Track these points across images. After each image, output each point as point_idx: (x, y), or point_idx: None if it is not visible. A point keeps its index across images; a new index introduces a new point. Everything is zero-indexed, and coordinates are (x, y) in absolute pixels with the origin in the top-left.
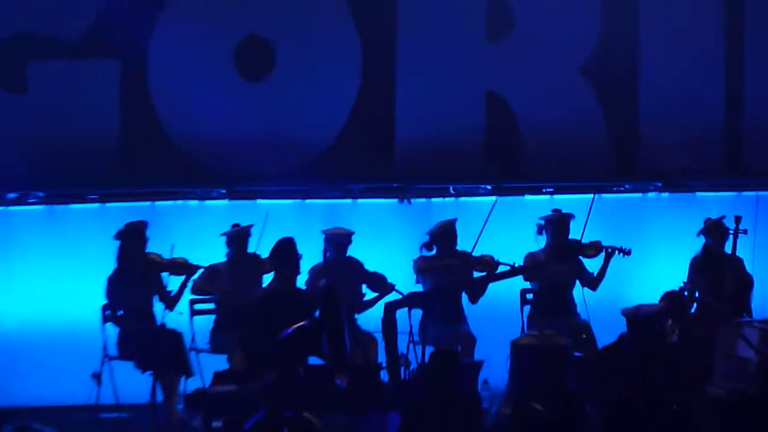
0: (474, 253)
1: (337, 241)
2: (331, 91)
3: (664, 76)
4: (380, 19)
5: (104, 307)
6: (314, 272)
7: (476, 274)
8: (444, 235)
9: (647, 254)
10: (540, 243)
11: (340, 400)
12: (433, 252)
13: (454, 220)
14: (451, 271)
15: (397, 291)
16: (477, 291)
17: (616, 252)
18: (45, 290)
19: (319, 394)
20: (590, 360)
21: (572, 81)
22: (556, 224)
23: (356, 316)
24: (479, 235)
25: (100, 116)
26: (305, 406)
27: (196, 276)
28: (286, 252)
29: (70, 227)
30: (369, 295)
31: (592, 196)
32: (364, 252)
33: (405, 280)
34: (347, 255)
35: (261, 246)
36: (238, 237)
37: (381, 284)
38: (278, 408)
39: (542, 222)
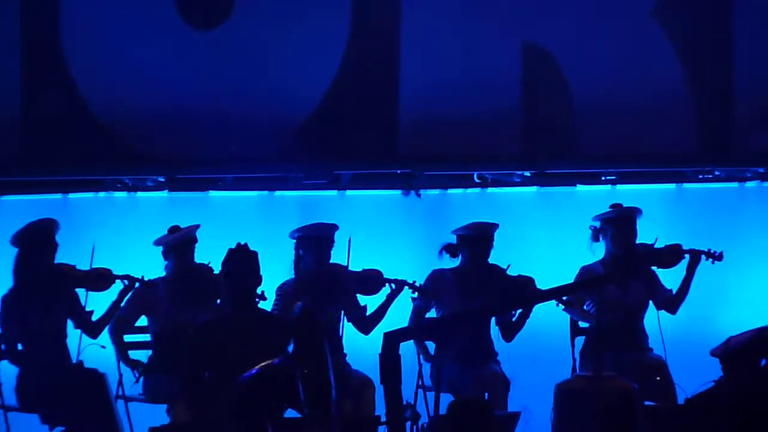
0: (508, 272)
1: (318, 239)
2: (311, 43)
3: None
4: None
5: (5, 338)
6: (284, 291)
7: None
8: (478, 239)
9: (745, 261)
10: (598, 252)
11: None
12: (458, 260)
13: (494, 225)
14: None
15: (410, 285)
16: (513, 326)
17: (703, 257)
18: None
19: None
20: (668, 411)
21: (641, 29)
22: (617, 224)
23: (354, 349)
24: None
25: None
26: None
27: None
28: (238, 266)
29: None
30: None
31: (671, 186)
32: (357, 260)
33: (404, 305)
34: (330, 262)
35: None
36: (180, 245)
37: (376, 282)
38: None
39: (598, 224)
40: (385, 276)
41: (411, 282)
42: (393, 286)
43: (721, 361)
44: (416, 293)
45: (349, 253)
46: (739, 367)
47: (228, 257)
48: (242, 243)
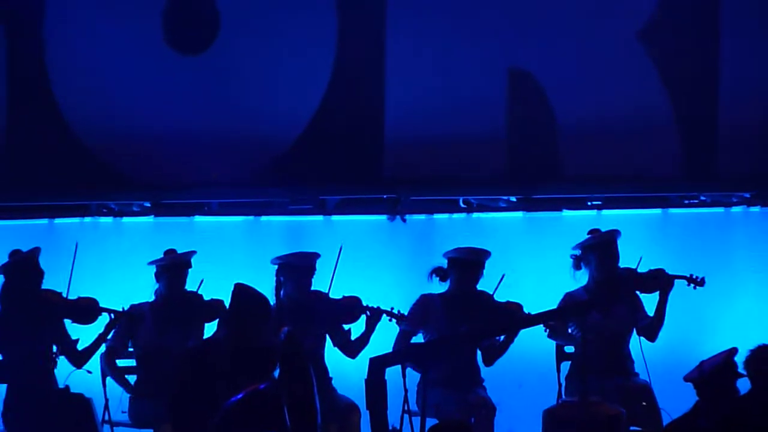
0: (495, 298)
1: (300, 268)
2: (297, 67)
3: (754, 42)
4: None
5: None
6: None
7: None
8: (469, 264)
9: (731, 286)
10: (580, 280)
11: None
12: (446, 284)
13: (487, 253)
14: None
15: (390, 313)
16: (495, 350)
17: (686, 283)
18: None
19: None
20: None
21: (627, 52)
22: (599, 250)
23: (340, 373)
24: (497, 285)
25: None
26: None
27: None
28: (257, 314)
29: None
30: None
31: (657, 211)
32: (342, 286)
33: (393, 328)
34: (311, 289)
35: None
36: (173, 268)
37: (354, 310)
38: None
39: (578, 252)
40: (364, 303)
41: (389, 309)
42: (368, 313)
43: (695, 385)
44: (394, 320)
45: (337, 264)
46: (714, 391)
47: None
48: (259, 293)
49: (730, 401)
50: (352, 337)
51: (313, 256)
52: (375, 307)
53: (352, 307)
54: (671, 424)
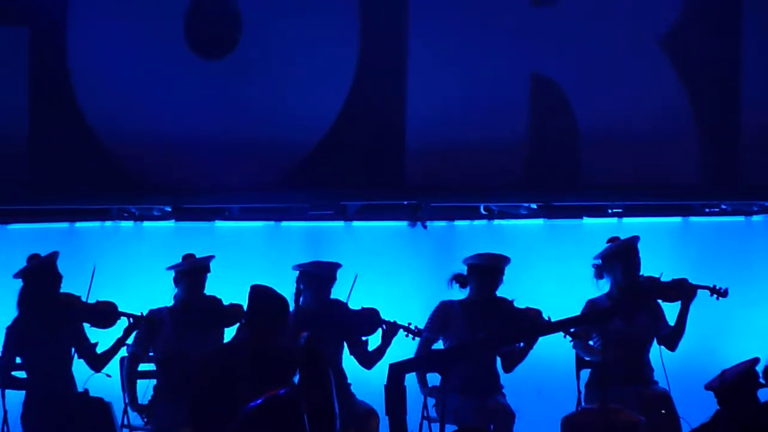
0: (515, 304)
1: (319, 278)
2: (318, 73)
3: None
4: None
5: (3, 368)
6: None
7: None
8: (488, 270)
9: (751, 294)
10: (603, 289)
11: None
12: (466, 291)
13: (507, 259)
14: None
15: (407, 329)
16: (514, 356)
17: (708, 293)
18: None
19: None
20: None
21: (649, 58)
22: (621, 258)
23: (359, 379)
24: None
25: (3, 108)
26: None
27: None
28: (275, 314)
29: None
30: (373, 341)
31: (677, 219)
32: (361, 293)
33: (409, 342)
34: (330, 298)
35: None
36: (192, 273)
37: (372, 322)
38: None
39: (599, 262)
40: (381, 316)
41: (406, 324)
42: (385, 327)
43: (716, 394)
44: (410, 335)
45: (351, 290)
46: (735, 400)
47: (262, 295)
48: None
49: (750, 410)
50: (369, 349)
51: (334, 267)
52: (392, 321)
53: (369, 319)
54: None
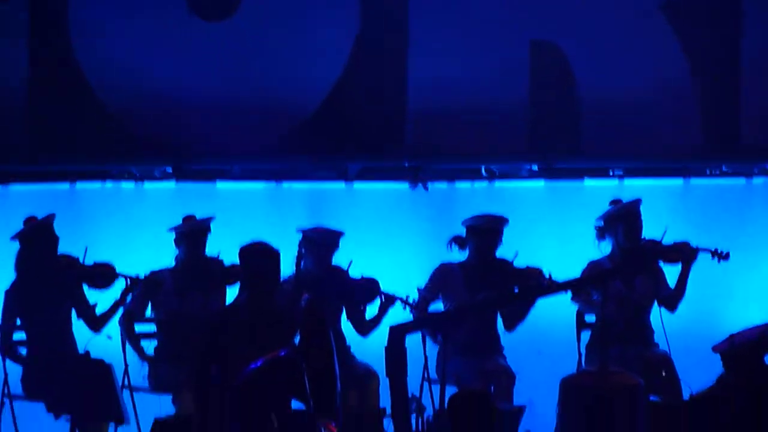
0: (515, 264)
1: (321, 244)
2: (320, 36)
3: None
4: None
5: (3, 331)
6: (286, 286)
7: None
8: (487, 231)
9: (751, 257)
10: (605, 250)
11: None
12: (466, 252)
13: (505, 220)
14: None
15: (404, 302)
16: (515, 314)
17: (710, 256)
18: None
19: None
20: (674, 406)
21: (650, 23)
22: (623, 220)
23: (359, 340)
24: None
25: (3, 69)
26: None
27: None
28: (266, 265)
29: None
30: (370, 309)
31: (678, 181)
32: (362, 254)
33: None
34: (332, 264)
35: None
36: (192, 234)
37: (371, 292)
38: None
39: (601, 223)
40: (381, 287)
41: (404, 297)
42: (383, 299)
43: (723, 357)
44: (408, 308)
45: (349, 268)
46: (743, 366)
47: (249, 254)
48: (264, 242)
49: (759, 377)
50: (366, 318)
51: (337, 234)
52: (390, 294)
53: (369, 288)
54: (695, 396)
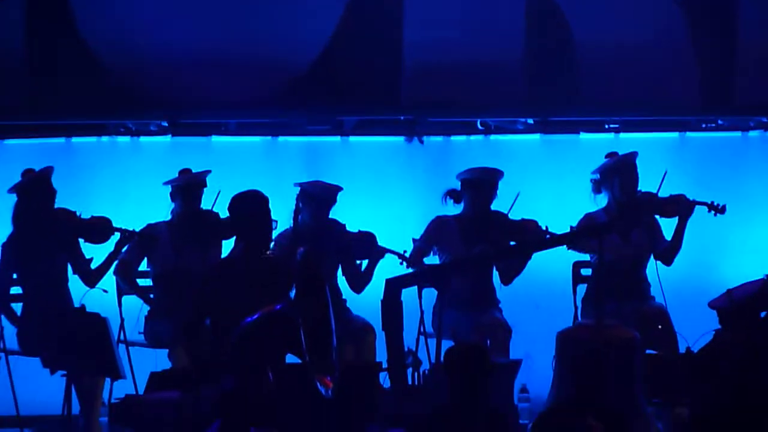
0: (510, 216)
1: (318, 199)
2: None
3: None
4: None
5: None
6: (283, 240)
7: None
8: (481, 184)
9: (746, 210)
10: (600, 204)
11: (323, 412)
12: (460, 206)
13: (499, 172)
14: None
15: (399, 255)
16: (512, 268)
17: (706, 209)
18: None
19: (295, 404)
20: (670, 360)
21: None
22: (619, 173)
23: (355, 294)
24: (512, 204)
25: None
26: (276, 421)
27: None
28: (254, 211)
29: None
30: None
31: (674, 135)
32: (357, 208)
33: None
34: (329, 218)
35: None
36: (188, 188)
37: (368, 246)
38: (238, 423)
39: (597, 176)
40: (377, 242)
41: (401, 252)
42: (377, 252)
43: (720, 313)
44: (404, 263)
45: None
46: (741, 321)
47: (238, 204)
48: (252, 190)
49: (757, 332)
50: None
51: (335, 189)
52: (387, 248)
53: (366, 242)
54: (693, 353)
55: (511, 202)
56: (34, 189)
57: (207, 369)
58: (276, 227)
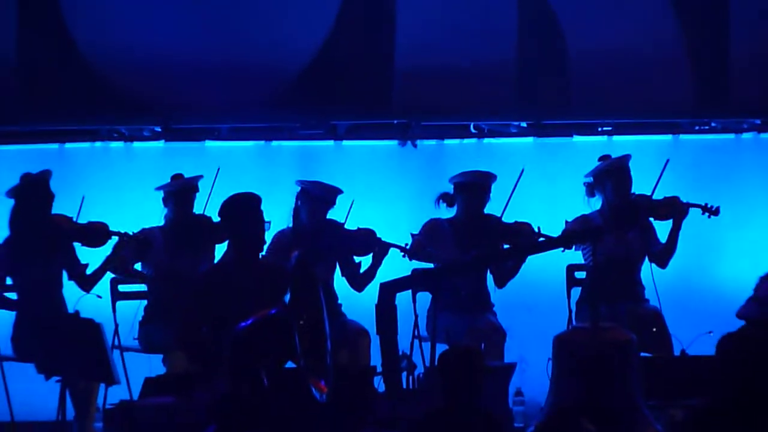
0: (504, 219)
1: (317, 199)
2: None
3: None
4: None
5: None
6: (280, 240)
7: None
8: (474, 187)
9: (741, 212)
10: (594, 207)
11: (318, 416)
12: (453, 210)
13: (492, 175)
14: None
15: (400, 248)
16: (506, 271)
17: (700, 211)
18: None
19: (290, 408)
20: (665, 362)
21: None
22: (613, 176)
23: (350, 299)
24: (508, 201)
25: None
26: (270, 426)
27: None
28: (245, 213)
29: None
30: (365, 263)
31: (667, 137)
32: (351, 211)
33: (404, 264)
34: (327, 218)
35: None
36: (180, 193)
37: (368, 243)
38: (232, 427)
39: (591, 180)
40: (377, 237)
41: (403, 245)
42: (377, 248)
43: (750, 322)
44: (406, 256)
45: (348, 214)
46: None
47: (229, 206)
48: (243, 192)
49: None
50: (361, 271)
51: (334, 191)
52: (388, 242)
53: (365, 239)
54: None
55: (502, 207)
56: (32, 192)
57: (206, 373)
58: (269, 228)
